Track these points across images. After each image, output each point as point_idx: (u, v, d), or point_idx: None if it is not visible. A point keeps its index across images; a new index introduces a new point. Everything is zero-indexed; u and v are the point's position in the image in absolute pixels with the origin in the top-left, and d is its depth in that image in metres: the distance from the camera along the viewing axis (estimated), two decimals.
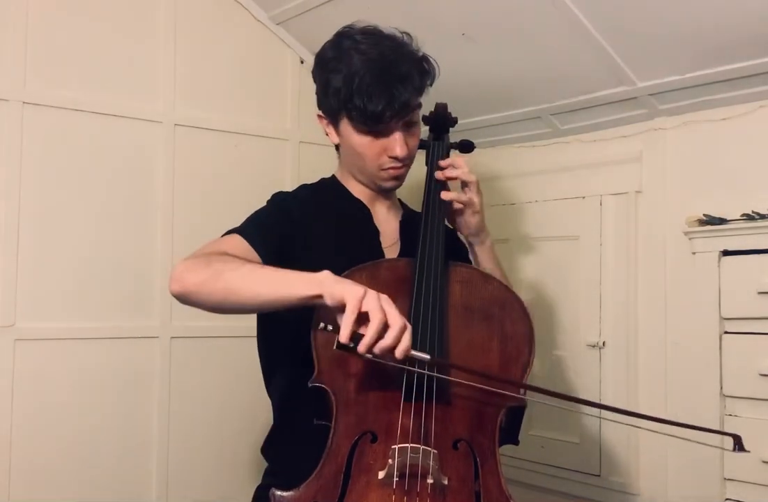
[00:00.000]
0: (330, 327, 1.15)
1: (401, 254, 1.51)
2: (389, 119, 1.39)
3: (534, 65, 2.05)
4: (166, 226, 2.18)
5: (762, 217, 1.77)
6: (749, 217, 1.79)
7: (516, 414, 1.33)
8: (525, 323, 1.38)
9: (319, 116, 1.51)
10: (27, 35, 2.00)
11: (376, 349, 1.12)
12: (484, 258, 1.56)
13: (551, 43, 1.96)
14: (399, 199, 1.65)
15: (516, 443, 1.37)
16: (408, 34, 1.49)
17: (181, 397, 2.19)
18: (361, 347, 1.11)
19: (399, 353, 1.13)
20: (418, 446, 1.21)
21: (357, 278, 1.34)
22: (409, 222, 1.56)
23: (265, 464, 1.52)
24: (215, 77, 2.30)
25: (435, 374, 1.24)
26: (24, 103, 1.98)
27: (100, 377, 2.08)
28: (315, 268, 1.31)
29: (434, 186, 1.51)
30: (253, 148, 2.36)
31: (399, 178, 1.50)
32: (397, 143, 1.43)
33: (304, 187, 1.58)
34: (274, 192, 1.56)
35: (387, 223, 1.56)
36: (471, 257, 1.59)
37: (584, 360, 2.15)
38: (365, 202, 1.55)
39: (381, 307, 1.12)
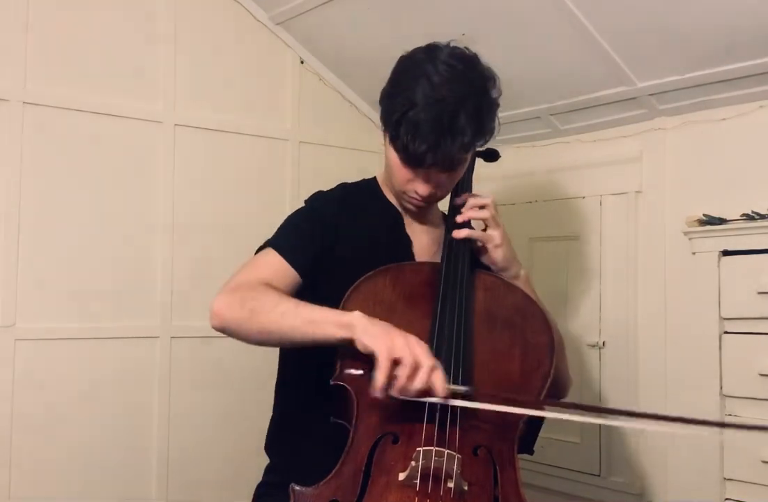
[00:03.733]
0: (362, 373, 1.20)
1: None
2: (428, 165, 1.34)
3: (534, 65, 2.05)
4: (166, 225, 2.18)
5: (762, 217, 1.77)
6: (749, 217, 1.80)
7: (535, 424, 1.33)
8: (547, 334, 1.38)
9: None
10: (27, 35, 2.00)
11: (410, 393, 1.15)
12: None
13: (551, 43, 1.96)
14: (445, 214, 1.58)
15: (531, 452, 1.37)
16: (493, 79, 1.37)
17: (181, 397, 2.19)
18: (395, 392, 1.15)
19: (438, 392, 1.16)
20: (443, 449, 1.21)
21: (381, 278, 1.34)
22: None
23: (266, 463, 1.51)
24: (215, 77, 2.30)
25: (454, 402, 1.23)
26: (24, 103, 1.98)
27: (100, 377, 2.08)
28: (345, 275, 1.34)
29: (460, 190, 1.49)
30: (253, 148, 2.36)
31: (420, 207, 1.46)
32: (420, 185, 1.39)
33: (342, 187, 1.54)
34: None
35: (421, 235, 1.53)
36: None
37: (584, 360, 2.15)
38: (399, 208, 1.52)
39: (411, 352, 1.15)
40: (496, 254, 1.46)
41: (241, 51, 2.36)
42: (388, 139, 1.40)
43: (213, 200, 2.26)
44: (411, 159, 1.35)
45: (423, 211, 1.53)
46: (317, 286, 1.41)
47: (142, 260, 2.15)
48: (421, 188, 1.39)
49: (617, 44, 1.87)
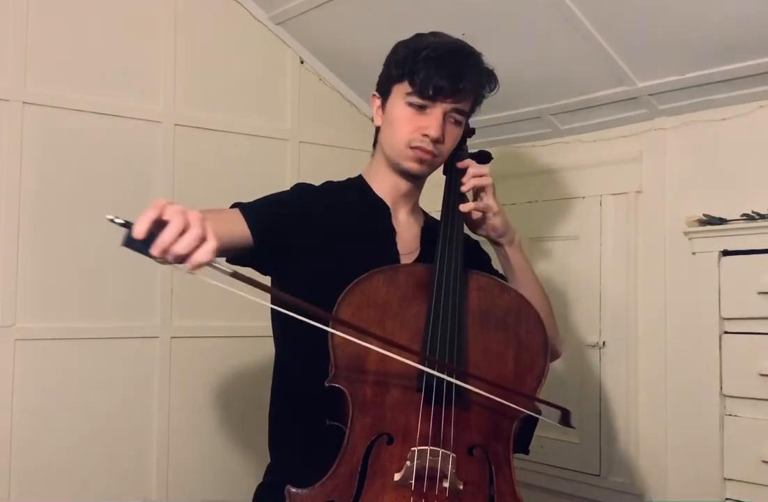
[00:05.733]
0: (121, 220, 1.04)
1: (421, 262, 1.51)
2: (447, 95, 1.43)
3: (534, 65, 2.05)
4: None
5: (762, 217, 1.77)
6: (749, 217, 1.79)
7: (530, 424, 1.33)
8: (540, 333, 1.39)
9: (373, 96, 1.55)
10: (27, 35, 2.00)
11: (169, 255, 1.05)
12: (515, 257, 1.55)
13: (551, 43, 1.96)
14: (423, 211, 1.65)
15: (527, 452, 1.37)
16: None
17: (181, 397, 2.19)
18: (154, 249, 1.04)
19: (191, 262, 1.06)
20: (438, 449, 1.22)
21: (375, 280, 1.34)
22: (430, 231, 1.54)
23: (267, 463, 1.52)
24: (215, 77, 2.30)
25: (445, 377, 1.24)
26: (24, 103, 1.98)
27: (100, 377, 2.07)
28: (321, 262, 1.38)
29: (452, 195, 1.52)
30: (253, 148, 2.35)
31: (422, 163, 1.48)
32: (434, 123, 1.44)
33: (328, 184, 1.59)
34: (270, 191, 1.56)
35: (406, 228, 1.56)
36: (499, 259, 1.58)
37: (584, 360, 2.15)
38: (387, 202, 1.55)
39: (183, 214, 1.06)
40: (496, 221, 1.50)
41: (241, 51, 2.35)
42: (396, 93, 1.47)
43: (213, 201, 2.24)
44: (433, 91, 1.42)
45: (410, 201, 1.57)
46: (289, 270, 1.45)
47: (142, 259, 2.14)
48: (433, 129, 1.43)
49: (617, 44, 1.87)
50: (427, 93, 1.42)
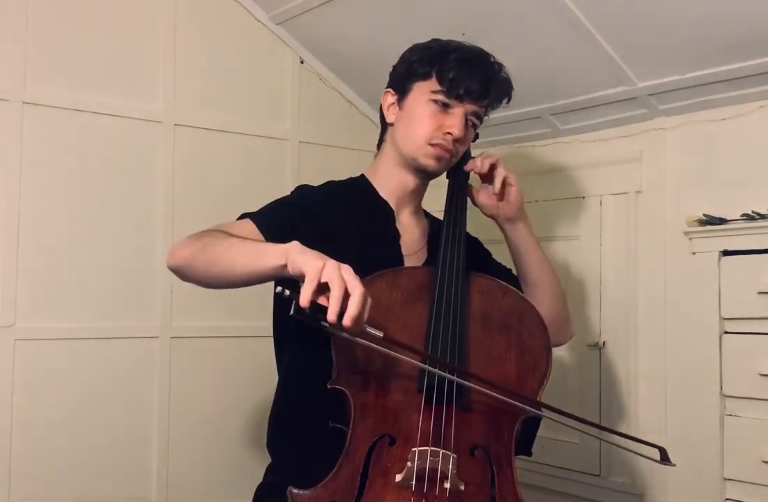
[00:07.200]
0: (287, 292, 1.11)
1: (426, 264, 1.52)
2: (475, 98, 1.47)
3: (534, 65, 2.05)
4: (166, 226, 2.18)
5: (762, 217, 1.77)
6: (749, 217, 1.79)
7: (532, 425, 1.34)
8: (543, 335, 1.39)
9: (386, 93, 1.55)
10: (27, 35, 2.00)
11: (344, 319, 1.10)
12: (529, 235, 1.59)
13: (551, 43, 1.96)
14: (425, 211, 1.66)
15: (529, 454, 1.37)
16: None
17: (181, 397, 2.19)
18: (330, 315, 1.09)
19: (351, 321, 1.10)
20: (438, 449, 1.22)
21: (378, 283, 1.34)
22: (434, 232, 1.55)
23: (267, 463, 1.52)
24: (215, 77, 2.30)
25: (453, 378, 1.25)
26: (24, 103, 1.98)
27: (100, 377, 2.08)
28: None
29: (456, 197, 1.53)
30: (253, 148, 2.35)
31: (439, 161, 1.50)
32: (457, 122, 1.46)
33: (330, 184, 1.59)
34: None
35: (409, 229, 1.56)
36: (511, 240, 1.60)
37: (584, 360, 2.15)
38: (391, 203, 1.55)
39: (341, 276, 1.11)
40: (517, 187, 1.59)
41: (241, 51, 2.35)
42: (419, 89, 1.49)
43: (213, 200, 2.26)
44: (466, 91, 1.46)
45: (413, 202, 1.57)
46: None
47: (142, 259, 2.15)
48: (456, 129, 1.46)
49: (617, 44, 1.87)
50: (456, 93, 1.45)
